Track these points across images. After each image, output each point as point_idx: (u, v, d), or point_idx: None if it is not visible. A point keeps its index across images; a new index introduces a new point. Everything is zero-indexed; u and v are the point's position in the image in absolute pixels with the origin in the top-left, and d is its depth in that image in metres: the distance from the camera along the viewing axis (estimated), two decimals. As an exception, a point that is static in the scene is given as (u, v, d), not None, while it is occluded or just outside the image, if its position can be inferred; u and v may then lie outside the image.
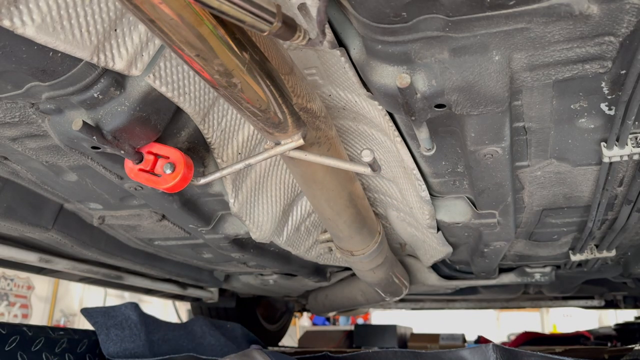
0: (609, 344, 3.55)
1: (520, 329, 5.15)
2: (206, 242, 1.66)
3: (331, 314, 4.07)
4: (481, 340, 4.17)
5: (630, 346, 2.38)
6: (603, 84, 0.88)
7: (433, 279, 2.44)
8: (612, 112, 0.95)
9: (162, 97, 0.85)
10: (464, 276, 2.47)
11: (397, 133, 1.07)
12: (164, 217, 1.49)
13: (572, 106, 0.96)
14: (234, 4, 0.49)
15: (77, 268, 1.89)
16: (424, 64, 0.79)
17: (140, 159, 0.93)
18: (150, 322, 1.76)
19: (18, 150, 1.05)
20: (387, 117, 1.03)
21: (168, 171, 0.92)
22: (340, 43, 0.85)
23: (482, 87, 0.82)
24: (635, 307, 3.57)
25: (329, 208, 1.24)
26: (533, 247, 1.92)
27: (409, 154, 1.14)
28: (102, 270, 2.02)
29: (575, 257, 1.91)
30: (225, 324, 1.92)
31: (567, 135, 1.06)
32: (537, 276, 2.37)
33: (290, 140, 0.88)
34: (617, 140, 1.01)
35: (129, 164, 0.94)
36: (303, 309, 4.09)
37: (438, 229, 1.53)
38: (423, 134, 1.00)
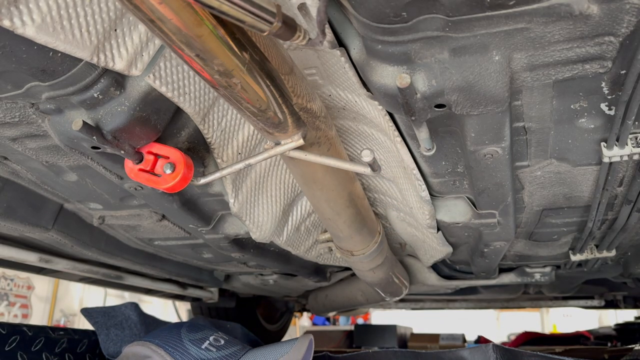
0: (609, 344, 3.55)
1: (520, 329, 5.15)
2: (206, 242, 1.66)
3: (331, 314, 4.07)
4: (481, 340, 4.17)
5: (630, 346, 2.39)
6: (603, 84, 0.88)
7: (433, 279, 2.44)
8: (612, 112, 0.95)
9: (162, 97, 0.85)
10: (464, 276, 2.47)
11: (397, 133, 1.07)
12: (164, 217, 1.49)
13: (572, 106, 0.96)
14: (234, 4, 0.49)
15: (77, 268, 1.89)
16: (424, 64, 0.79)
17: (140, 159, 0.93)
18: (150, 322, 1.75)
19: (18, 150, 1.05)
20: (387, 117, 1.03)
21: (168, 171, 0.92)
22: (340, 43, 0.85)
23: (482, 87, 0.82)
24: (635, 307, 3.57)
25: (329, 208, 1.24)
26: (533, 247, 1.92)
27: (409, 154, 1.14)
28: (102, 270, 2.02)
29: (575, 257, 1.91)
30: (225, 324, 1.92)
31: (567, 135, 1.06)
32: (537, 276, 2.37)
33: (290, 140, 0.88)
34: (617, 140, 1.01)
35: (129, 164, 0.94)
36: (303, 309, 4.09)
37: (438, 229, 1.53)
38: (423, 134, 1.00)
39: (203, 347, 1.25)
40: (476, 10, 0.68)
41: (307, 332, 4.54)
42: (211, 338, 1.29)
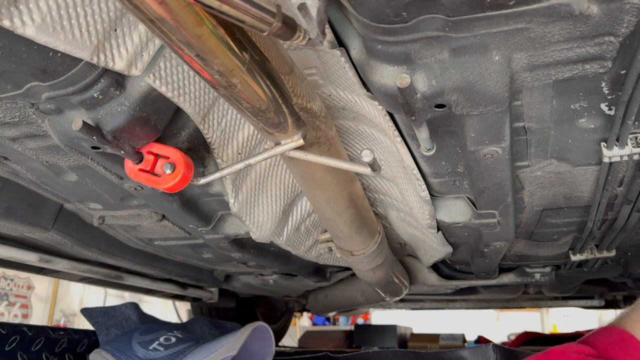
0: (609, 344, 3.54)
1: (520, 329, 5.14)
2: (206, 242, 1.66)
3: (331, 314, 4.07)
4: (481, 340, 4.16)
5: (630, 346, 2.38)
6: (603, 84, 0.88)
7: (433, 279, 2.44)
8: (612, 112, 0.95)
9: (162, 97, 0.85)
10: (464, 276, 2.47)
11: (397, 133, 1.07)
12: (164, 217, 1.49)
13: (572, 106, 0.96)
14: (234, 4, 0.48)
15: (77, 268, 1.89)
16: (424, 64, 0.79)
17: (140, 159, 0.93)
18: (150, 322, 1.75)
19: (18, 150, 1.05)
20: (387, 117, 1.03)
21: (168, 171, 0.92)
22: (340, 43, 0.85)
23: (482, 87, 0.82)
24: (635, 307, 3.56)
25: (329, 208, 1.24)
26: (533, 247, 1.92)
27: (409, 154, 1.14)
28: (102, 270, 2.02)
29: (575, 257, 1.91)
30: (225, 324, 1.92)
31: (567, 135, 1.06)
32: (537, 276, 2.37)
33: (290, 140, 0.88)
34: (617, 140, 1.01)
35: (129, 164, 0.94)
36: (303, 309, 4.09)
37: (438, 229, 1.53)
38: (423, 134, 1.00)
39: (151, 347, 1.34)
40: (476, 10, 0.67)
41: (307, 332, 4.53)
42: (161, 338, 1.38)
